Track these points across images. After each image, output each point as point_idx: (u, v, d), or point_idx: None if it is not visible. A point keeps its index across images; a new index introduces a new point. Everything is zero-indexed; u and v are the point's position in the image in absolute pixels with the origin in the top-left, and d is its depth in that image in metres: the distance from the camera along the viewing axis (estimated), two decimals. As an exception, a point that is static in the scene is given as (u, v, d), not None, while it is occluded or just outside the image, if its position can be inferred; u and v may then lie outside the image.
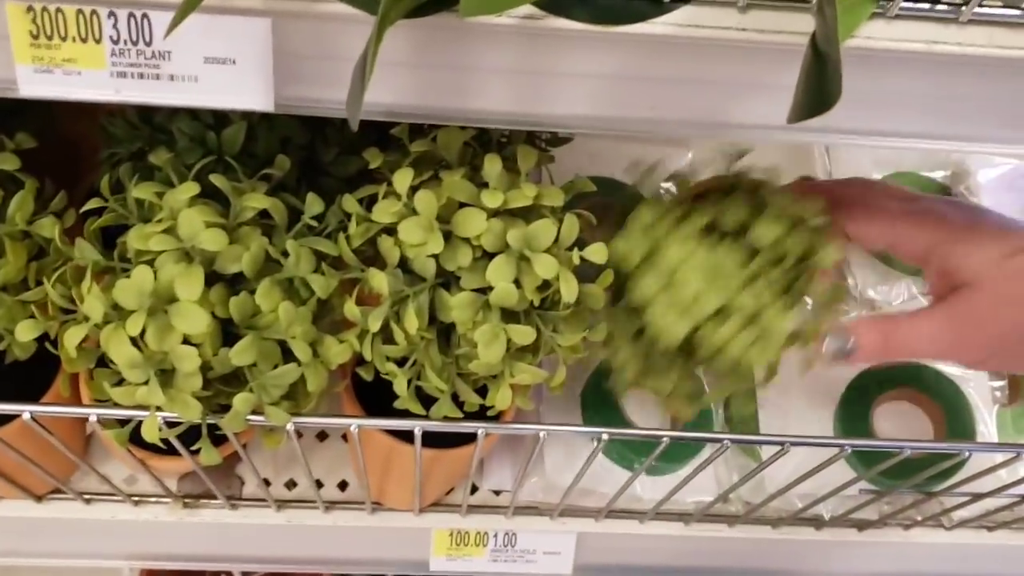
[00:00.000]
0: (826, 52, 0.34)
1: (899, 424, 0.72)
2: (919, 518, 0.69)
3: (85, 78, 0.40)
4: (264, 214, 0.48)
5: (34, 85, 0.40)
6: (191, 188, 0.45)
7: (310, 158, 0.55)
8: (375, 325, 0.47)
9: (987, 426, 0.72)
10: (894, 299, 0.76)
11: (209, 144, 0.51)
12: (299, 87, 0.40)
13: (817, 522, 0.69)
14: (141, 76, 0.40)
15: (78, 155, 0.66)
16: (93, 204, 0.48)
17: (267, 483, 0.66)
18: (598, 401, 0.70)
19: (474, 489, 0.71)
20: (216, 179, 0.45)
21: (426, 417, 0.52)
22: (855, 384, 0.72)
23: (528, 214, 0.49)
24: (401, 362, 0.50)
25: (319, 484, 0.70)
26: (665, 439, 0.52)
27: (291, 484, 0.70)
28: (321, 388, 0.48)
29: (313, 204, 0.48)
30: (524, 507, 0.69)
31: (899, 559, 0.72)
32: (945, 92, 0.41)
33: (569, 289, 0.48)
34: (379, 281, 0.47)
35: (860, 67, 0.39)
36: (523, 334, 0.47)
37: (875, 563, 0.72)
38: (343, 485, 0.71)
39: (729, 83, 0.41)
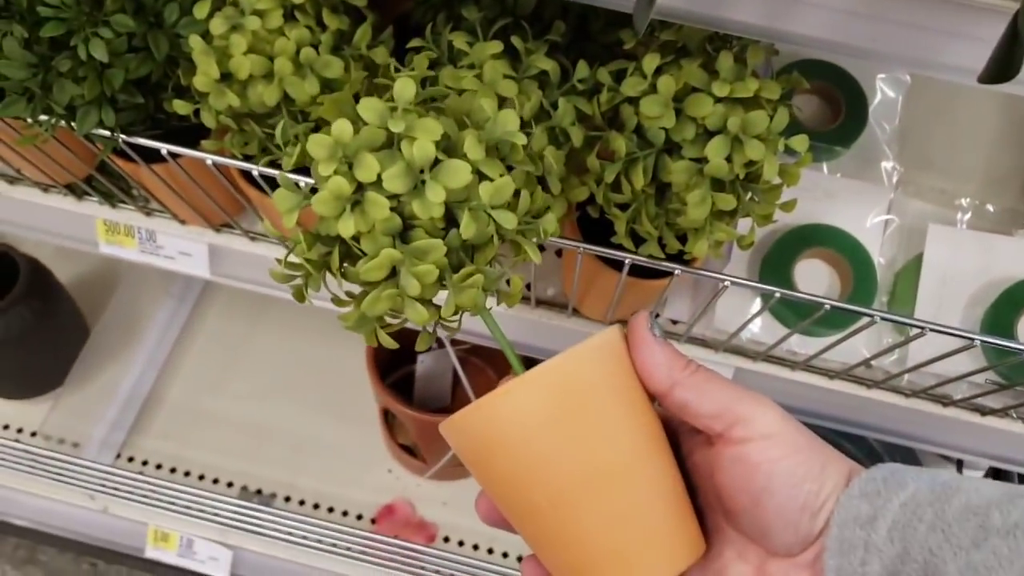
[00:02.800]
0: (1021, 32, 0.42)
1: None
2: (1039, 415, 0.79)
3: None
4: (543, 70, 0.61)
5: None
6: (496, 46, 0.58)
7: (581, 25, 0.67)
8: (610, 176, 0.61)
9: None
10: None
11: (507, 4, 0.64)
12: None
13: (944, 400, 0.80)
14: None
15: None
16: (416, 43, 0.63)
17: (493, 276, 0.82)
18: (775, 267, 0.82)
19: (657, 316, 0.85)
20: (516, 41, 0.59)
21: (635, 253, 0.65)
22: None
23: (748, 103, 0.60)
24: (623, 207, 0.64)
25: (529, 286, 0.86)
26: (827, 306, 0.63)
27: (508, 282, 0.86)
28: (562, 215, 0.62)
29: (581, 69, 0.61)
30: (694, 338, 0.83)
31: (1014, 447, 0.82)
32: None
33: (771, 169, 0.59)
34: (619, 143, 0.60)
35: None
36: (726, 201, 0.59)
37: (987, 446, 0.82)
38: (547, 290, 0.87)
39: (939, 30, 0.50)
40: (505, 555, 1.25)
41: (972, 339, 0.61)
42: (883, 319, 0.63)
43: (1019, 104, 0.90)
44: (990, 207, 0.85)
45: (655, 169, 0.61)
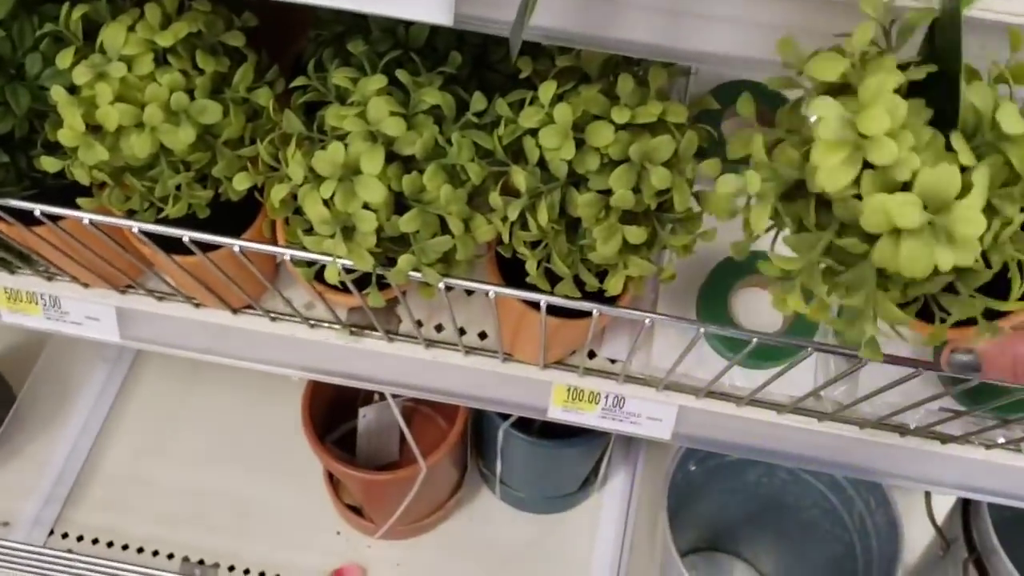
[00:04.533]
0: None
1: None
2: (1001, 440, 0.74)
3: (306, -16, 0.49)
4: (437, 104, 0.56)
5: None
6: (380, 80, 0.54)
7: (481, 55, 0.63)
8: (514, 214, 0.56)
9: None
10: None
11: (398, 36, 0.59)
12: (475, 7, 0.48)
13: (902, 430, 0.75)
14: (350, -14, 0.48)
15: (284, 24, 0.75)
16: (300, 82, 0.58)
17: (420, 325, 0.77)
18: (712, 298, 0.78)
19: (594, 355, 0.80)
20: (402, 75, 0.54)
21: (551, 293, 0.61)
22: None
23: (655, 128, 0.56)
24: (534, 245, 0.59)
25: (462, 331, 0.81)
26: (754, 340, 0.59)
27: (439, 328, 0.81)
28: (470, 256, 0.58)
29: (478, 102, 0.56)
30: (635, 377, 0.78)
31: (980, 475, 0.77)
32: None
33: (681, 198, 0.55)
34: (519, 178, 0.55)
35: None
36: (636, 234, 0.55)
37: (952, 475, 0.77)
38: (483, 335, 0.82)
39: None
40: (466, 614, 1.19)
41: (917, 366, 0.57)
42: (817, 350, 0.59)
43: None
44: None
45: (563, 203, 0.57)
